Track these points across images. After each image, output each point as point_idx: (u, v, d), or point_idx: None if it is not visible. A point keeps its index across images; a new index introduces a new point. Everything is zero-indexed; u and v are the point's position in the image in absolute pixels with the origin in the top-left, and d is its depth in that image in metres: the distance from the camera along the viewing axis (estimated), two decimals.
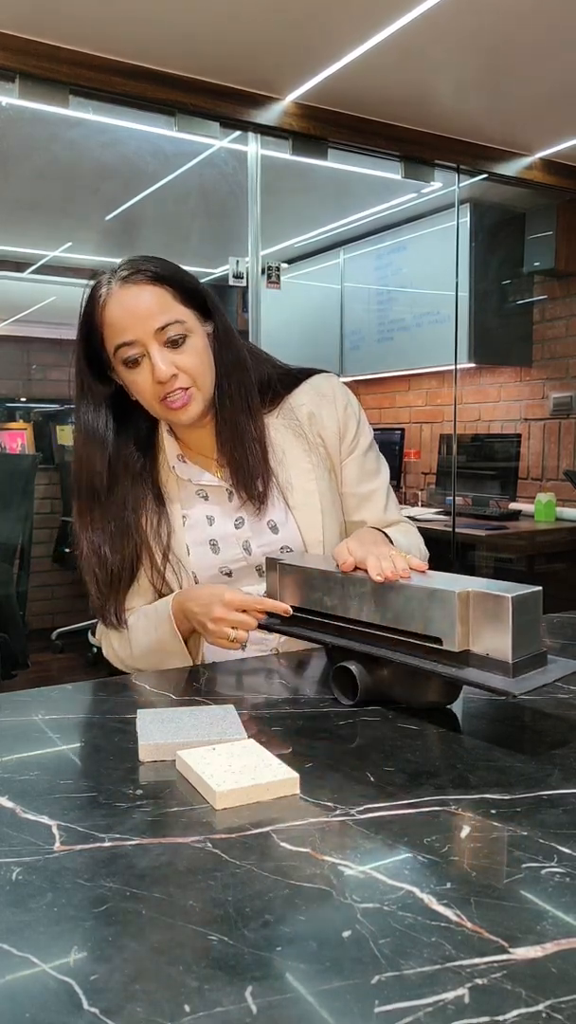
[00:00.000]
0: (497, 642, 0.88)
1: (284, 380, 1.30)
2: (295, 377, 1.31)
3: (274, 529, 1.25)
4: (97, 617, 1.27)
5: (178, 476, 1.26)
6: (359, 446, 1.31)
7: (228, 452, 1.23)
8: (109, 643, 1.29)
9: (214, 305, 1.21)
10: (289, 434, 1.28)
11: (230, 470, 1.24)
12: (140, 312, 1.13)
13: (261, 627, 1.14)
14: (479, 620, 0.90)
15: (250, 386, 1.25)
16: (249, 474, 1.23)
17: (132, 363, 1.15)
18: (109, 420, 1.23)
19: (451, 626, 0.90)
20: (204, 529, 1.25)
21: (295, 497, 1.26)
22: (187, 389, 1.16)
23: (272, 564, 1.15)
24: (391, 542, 1.21)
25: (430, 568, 1.03)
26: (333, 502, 1.29)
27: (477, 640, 0.90)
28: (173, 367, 1.14)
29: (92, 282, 1.17)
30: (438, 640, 0.92)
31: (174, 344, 1.14)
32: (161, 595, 1.26)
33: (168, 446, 1.27)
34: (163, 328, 1.13)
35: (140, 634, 1.23)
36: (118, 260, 1.18)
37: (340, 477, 1.30)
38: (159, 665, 1.22)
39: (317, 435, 1.28)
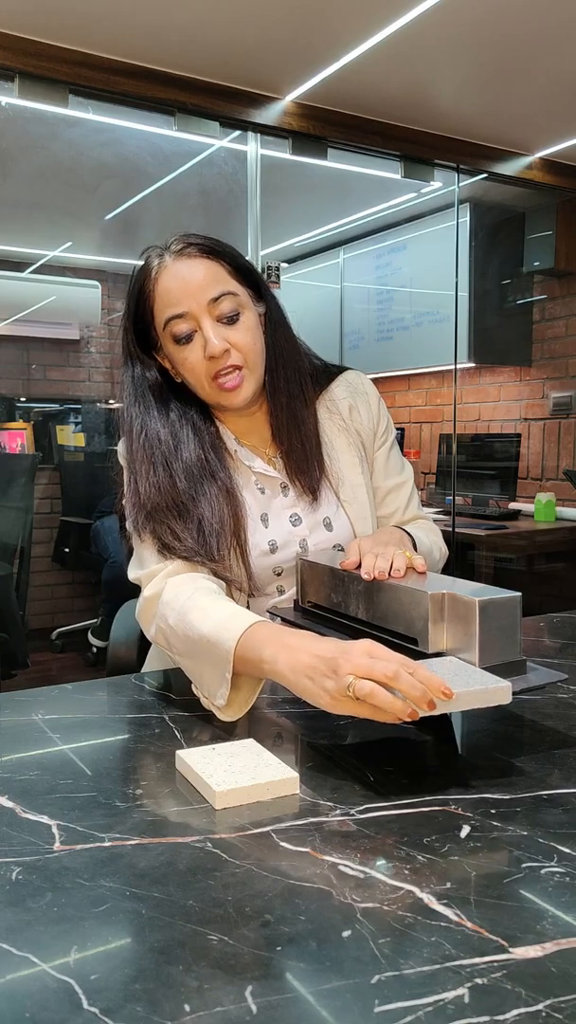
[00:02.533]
0: (466, 646, 0.87)
1: (324, 373, 1.29)
2: (331, 372, 1.31)
3: (328, 526, 1.22)
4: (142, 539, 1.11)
5: (240, 461, 1.20)
6: (387, 441, 1.31)
7: (286, 440, 1.20)
8: (157, 594, 1.07)
9: (267, 287, 1.19)
10: (334, 427, 1.26)
11: (286, 460, 1.20)
12: (193, 284, 1.10)
13: (285, 621, 1.09)
14: (452, 623, 0.89)
15: (304, 373, 1.22)
16: (307, 463, 1.20)
17: (184, 340, 1.11)
18: (165, 389, 1.17)
19: (424, 628, 0.90)
20: (262, 531, 1.19)
21: (345, 491, 1.23)
22: (239, 369, 1.12)
23: (298, 562, 1.15)
24: (413, 540, 1.19)
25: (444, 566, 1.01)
26: (372, 497, 1.28)
27: (451, 643, 0.89)
28: (226, 342, 1.11)
29: (143, 257, 1.15)
30: (416, 641, 0.92)
31: (228, 320, 1.11)
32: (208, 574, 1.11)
33: (223, 431, 1.22)
34: (216, 300, 1.10)
35: (183, 634, 0.99)
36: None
37: (371, 471, 1.30)
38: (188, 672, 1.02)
39: (356, 430, 1.27)
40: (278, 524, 1.20)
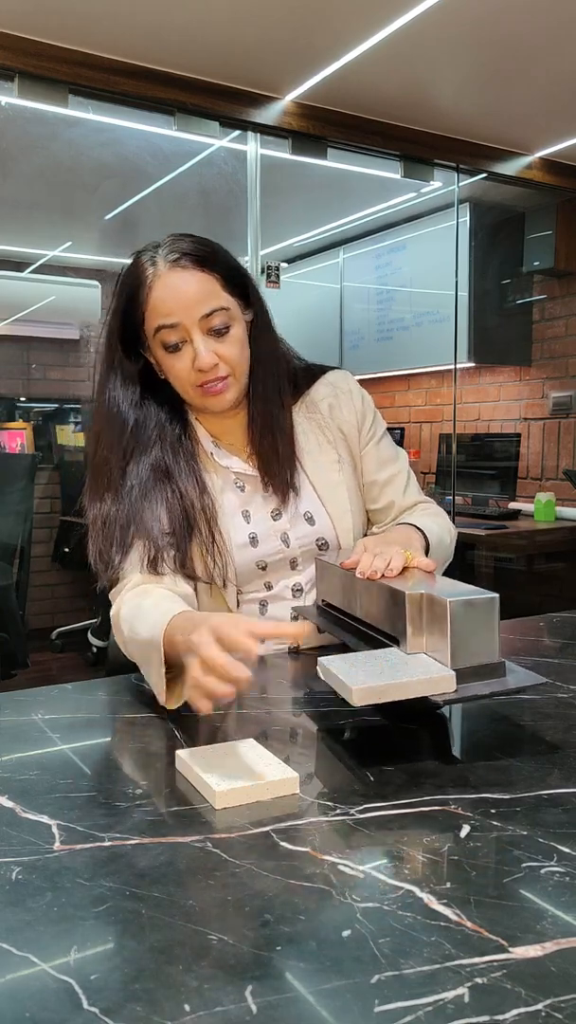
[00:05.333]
0: (440, 647, 0.86)
1: (305, 374, 1.32)
2: (313, 372, 1.33)
3: (310, 520, 1.25)
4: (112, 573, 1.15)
5: (217, 462, 1.24)
6: (375, 435, 1.33)
7: (257, 442, 1.23)
8: (118, 611, 1.12)
9: (255, 292, 1.21)
10: (314, 427, 1.29)
11: (260, 460, 1.23)
12: (187, 298, 1.12)
13: (304, 619, 1.13)
14: (429, 624, 0.88)
15: (282, 377, 1.25)
16: (280, 465, 1.22)
17: (172, 348, 1.14)
18: (137, 395, 1.20)
19: (403, 628, 0.89)
20: (242, 525, 1.22)
21: (323, 489, 1.26)
22: (224, 378, 1.15)
23: (316, 562, 1.17)
24: (425, 536, 1.19)
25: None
26: (357, 494, 1.30)
27: (429, 644, 0.89)
28: (215, 356, 1.13)
29: (134, 256, 1.15)
30: (398, 641, 0.91)
31: (217, 333, 1.13)
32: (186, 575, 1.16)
33: (200, 432, 1.25)
34: (209, 315, 1.12)
35: (133, 633, 1.05)
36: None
37: (361, 468, 1.32)
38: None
39: (338, 428, 1.30)
40: (259, 519, 1.23)
